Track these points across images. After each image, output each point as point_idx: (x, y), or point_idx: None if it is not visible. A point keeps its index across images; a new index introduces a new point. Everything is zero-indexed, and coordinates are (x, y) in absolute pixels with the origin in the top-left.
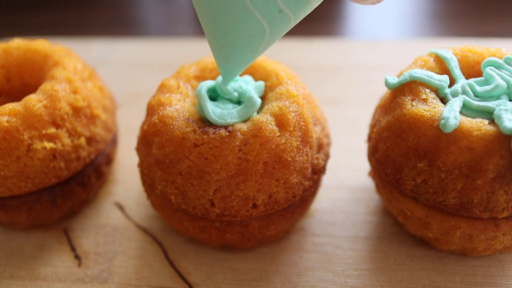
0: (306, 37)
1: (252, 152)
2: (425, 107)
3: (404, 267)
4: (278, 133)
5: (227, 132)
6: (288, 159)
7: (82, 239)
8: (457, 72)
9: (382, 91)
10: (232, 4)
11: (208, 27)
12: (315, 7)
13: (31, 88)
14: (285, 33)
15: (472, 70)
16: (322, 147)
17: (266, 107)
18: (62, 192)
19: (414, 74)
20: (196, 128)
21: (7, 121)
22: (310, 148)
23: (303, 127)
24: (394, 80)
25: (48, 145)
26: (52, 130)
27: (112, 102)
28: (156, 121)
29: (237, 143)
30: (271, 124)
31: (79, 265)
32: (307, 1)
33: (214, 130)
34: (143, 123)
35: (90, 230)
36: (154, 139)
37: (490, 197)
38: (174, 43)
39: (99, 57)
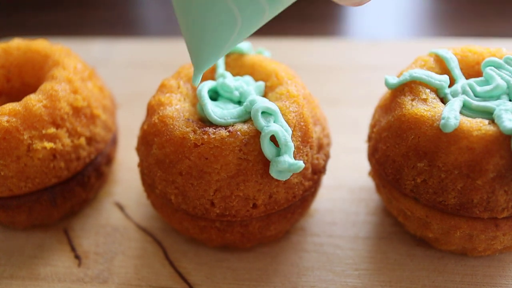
0: (306, 37)
1: (252, 152)
2: (425, 107)
3: (404, 267)
4: None
5: (227, 132)
6: None
7: (82, 239)
8: (457, 72)
9: (382, 91)
10: None
11: (179, 14)
12: (292, 1)
13: (31, 88)
14: (259, 26)
15: (472, 70)
16: (322, 147)
17: None
18: (62, 192)
19: (414, 74)
20: (196, 128)
21: (7, 121)
22: (310, 148)
23: (303, 127)
24: (394, 80)
25: (48, 145)
26: (52, 130)
27: (112, 102)
28: (156, 121)
29: (238, 143)
30: None
31: (79, 265)
32: None
33: (214, 130)
34: (143, 123)
35: (90, 230)
36: (154, 139)
37: (490, 197)
38: (174, 43)
39: (99, 57)
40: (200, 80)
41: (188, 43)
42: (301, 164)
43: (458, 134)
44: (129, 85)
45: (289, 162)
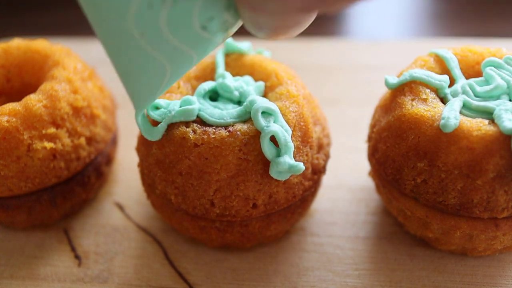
0: (306, 37)
1: (252, 152)
2: (425, 107)
3: (404, 267)
4: None
5: (227, 132)
6: None
7: (82, 239)
8: (457, 72)
9: (382, 91)
10: (126, 43)
11: (113, 61)
12: (221, 43)
13: (31, 88)
14: (190, 68)
15: (472, 70)
16: (322, 147)
17: None
18: (62, 192)
19: (414, 74)
20: (196, 128)
21: (7, 121)
22: (310, 148)
23: (303, 127)
24: (394, 80)
25: (48, 145)
26: (52, 130)
27: (112, 102)
28: None
29: (237, 143)
30: None
31: (79, 265)
32: (207, 40)
33: (214, 130)
34: None
35: (90, 230)
36: None
37: (490, 197)
38: None
39: (99, 57)
40: (142, 116)
41: (125, 86)
42: (301, 166)
43: (458, 134)
44: None
45: (289, 164)
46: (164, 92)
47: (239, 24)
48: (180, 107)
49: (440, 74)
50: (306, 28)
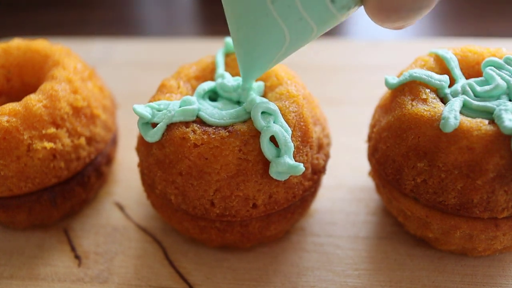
0: None
1: (252, 152)
2: (425, 107)
3: (404, 267)
4: None
5: (227, 132)
6: None
7: (82, 239)
8: (457, 72)
9: (382, 91)
10: (254, 7)
11: (231, 27)
12: (341, 21)
13: (31, 88)
14: (306, 43)
15: (472, 70)
16: (322, 147)
17: None
18: (62, 192)
19: (414, 74)
20: (196, 128)
21: (7, 121)
22: (310, 148)
23: (303, 127)
24: (394, 80)
25: (48, 145)
26: (52, 130)
27: (112, 102)
28: None
29: (237, 143)
30: None
31: (79, 265)
32: (331, 15)
33: (214, 130)
34: None
35: (90, 230)
36: None
37: (490, 197)
38: (174, 43)
39: (99, 57)
40: (250, 86)
41: (238, 56)
42: (301, 167)
43: (458, 134)
44: (129, 85)
45: (289, 164)
46: (273, 66)
47: (359, 6)
48: (180, 107)
49: (440, 74)
50: None
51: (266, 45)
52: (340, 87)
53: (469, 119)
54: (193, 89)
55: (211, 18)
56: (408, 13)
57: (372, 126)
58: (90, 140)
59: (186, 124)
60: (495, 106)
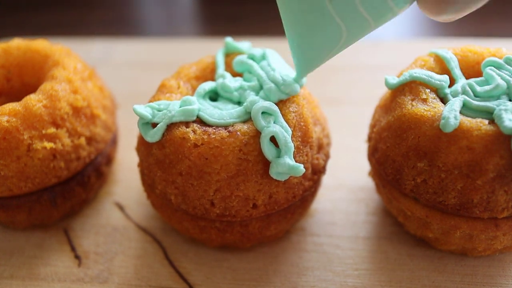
0: None
1: (252, 152)
2: (425, 107)
3: (404, 267)
4: None
5: (227, 132)
6: None
7: (82, 239)
8: (457, 72)
9: (382, 91)
10: (311, 5)
11: (286, 23)
12: (397, 15)
13: (31, 88)
14: (362, 37)
15: (472, 70)
16: (322, 147)
17: None
18: (62, 192)
19: (414, 74)
20: (196, 128)
21: (7, 121)
22: (310, 148)
23: (303, 127)
24: (394, 80)
25: (48, 145)
26: (52, 130)
27: (112, 102)
28: None
29: (238, 143)
30: None
31: (79, 265)
32: (388, 9)
33: (214, 130)
34: None
35: (90, 230)
36: None
37: (490, 197)
38: (174, 43)
39: (99, 57)
40: (303, 80)
41: (293, 50)
42: (301, 168)
43: (458, 134)
44: (129, 85)
45: (289, 165)
46: (329, 59)
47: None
48: (180, 107)
49: (440, 74)
50: None
51: (322, 41)
52: (340, 87)
53: (469, 119)
54: (193, 89)
55: (211, 18)
56: (465, 5)
57: (372, 126)
58: (90, 140)
59: (186, 124)
60: (495, 106)
